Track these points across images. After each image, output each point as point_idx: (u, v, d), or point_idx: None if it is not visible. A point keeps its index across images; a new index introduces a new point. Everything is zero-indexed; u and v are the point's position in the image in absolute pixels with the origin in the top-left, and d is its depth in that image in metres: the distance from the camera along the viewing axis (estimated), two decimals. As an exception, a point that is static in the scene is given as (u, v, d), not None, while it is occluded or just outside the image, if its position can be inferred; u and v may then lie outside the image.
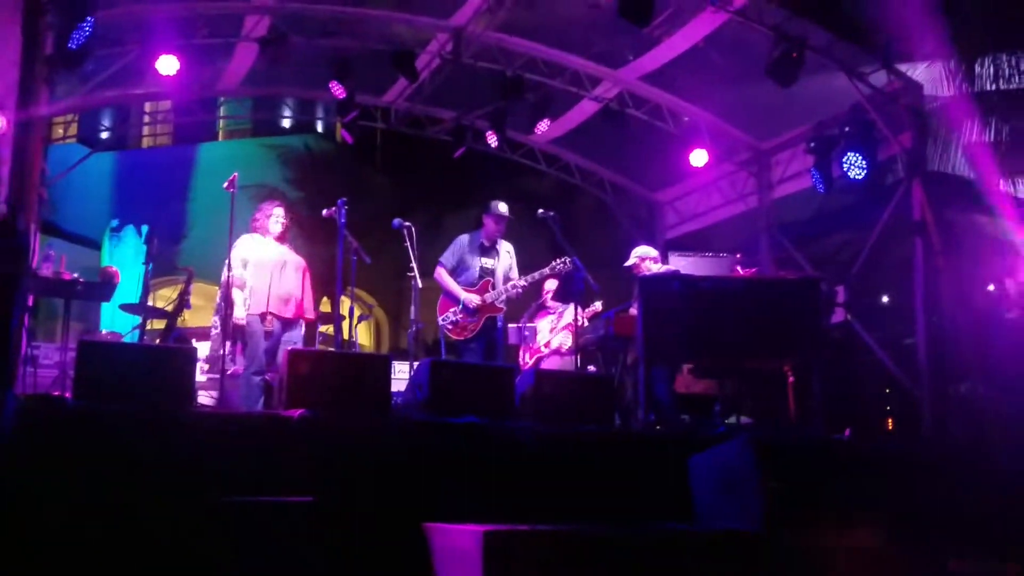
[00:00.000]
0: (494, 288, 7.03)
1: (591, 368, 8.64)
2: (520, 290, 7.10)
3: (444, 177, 15.29)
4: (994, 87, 7.64)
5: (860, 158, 7.70)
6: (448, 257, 7.11)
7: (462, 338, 6.94)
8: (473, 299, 6.92)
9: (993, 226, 7.75)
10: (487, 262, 7.11)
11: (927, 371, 7.44)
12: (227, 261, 6.25)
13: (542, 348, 8.77)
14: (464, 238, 7.19)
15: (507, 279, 7.13)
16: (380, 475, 4.52)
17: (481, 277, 7.04)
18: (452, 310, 6.96)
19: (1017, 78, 7.58)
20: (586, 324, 8.18)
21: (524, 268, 7.26)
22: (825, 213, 10.95)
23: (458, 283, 7.01)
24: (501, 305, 7.04)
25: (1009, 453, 5.59)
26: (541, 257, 7.47)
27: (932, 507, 4.62)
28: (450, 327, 6.96)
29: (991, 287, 8.14)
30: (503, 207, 7.14)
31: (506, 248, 7.23)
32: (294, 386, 4.90)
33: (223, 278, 6.30)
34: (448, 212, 15.33)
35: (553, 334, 8.74)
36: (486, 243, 7.14)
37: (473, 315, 6.92)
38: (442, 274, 7.06)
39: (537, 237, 10.28)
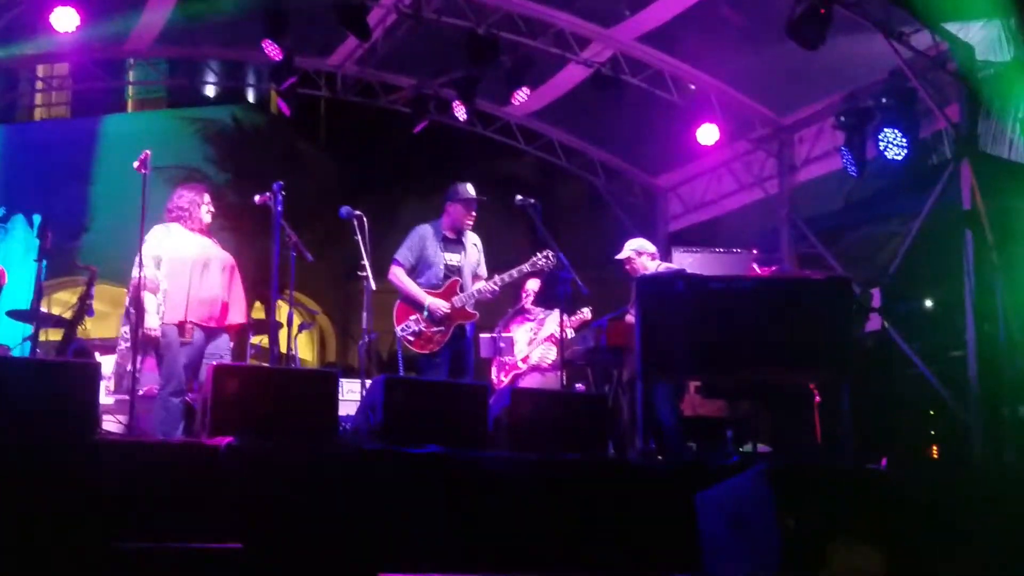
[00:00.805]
0: (463, 289, 6.98)
1: (579, 386, 8.68)
2: (495, 292, 7.05)
3: (402, 157, 15.31)
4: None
5: (899, 135, 7.78)
6: (405, 254, 7.03)
7: (426, 351, 6.88)
8: (441, 305, 6.88)
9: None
10: (452, 258, 7.06)
11: (978, 389, 7.53)
12: (137, 258, 6.20)
13: (519, 363, 8.80)
14: (423, 229, 7.11)
15: (476, 277, 7.11)
16: (324, 516, 4.49)
17: (447, 277, 6.99)
18: (413, 318, 6.89)
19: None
20: (572, 334, 8.21)
21: (499, 266, 7.25)
22: (858, 201, 11.08)
23: (419, 284, 6.97)
24: (472, 310, 7.01)
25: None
26: (519, 254, 7.46)
27: (984, 549, 4.68)
28: (411, 338, 6.89)
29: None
30: (471, 189, 7.08)
31: (472, 241, 7.19)
32: (220, 409, 4.87)
33: (132, 279, 6.26)
34: (407, 199, 15.35)
35: (533, 346, 8.77)
36: (450, 235, 7.09)
37: (440, 323, 6.87)
38: (399, 274, 6.99)
39: (514, 229, 10.33)
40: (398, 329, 6.93)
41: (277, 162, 14.80)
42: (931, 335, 9.18)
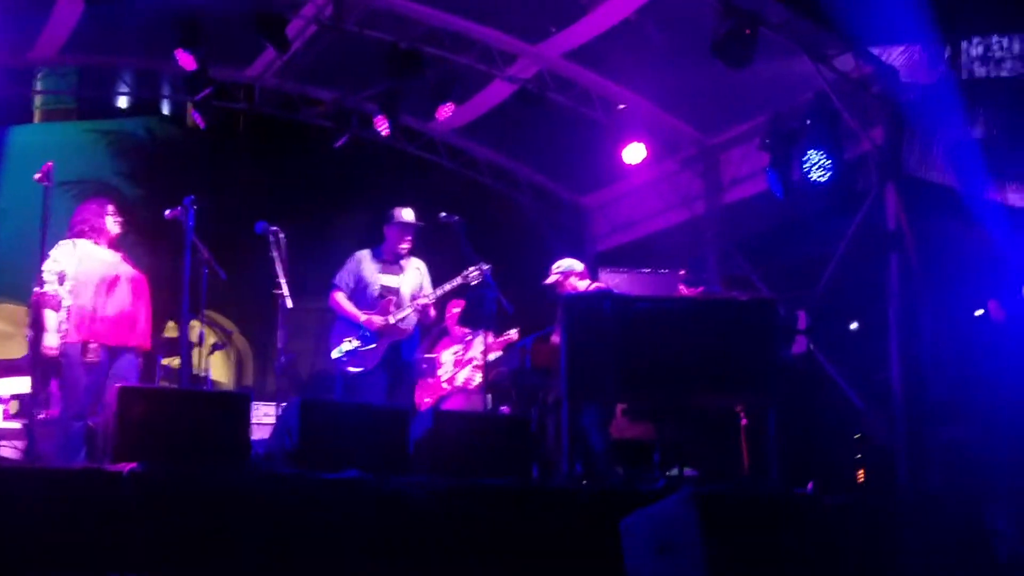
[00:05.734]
0: (398, 307, 7.15)
1: (504, 409, 8.65)
2: (429, 307, 7.24)
3: (322, 172, 15.19)
4: (983, 73, 7.96)
5: (824, 157, 7.92)
6: (344, 277, 7.28)
7: (361, 369, 7.08)
8: (374, 320, 7.07)
9: (980, 239, 8.04)
10: (389, 280, 7.29)
11: (903, 412, 7.67)
12: (39, 275, 6.08)
13: (444, 384, 8.75)
14: (361, 253, 7.37)
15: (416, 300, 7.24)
16: (235, 547, 4.42)
17: (381, 297, 7.21)
18: (348, 338, 7.11)
19: (1009, 63, 7.91)
20: (498, 354, 8.18)
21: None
22: (784, 222, 11.22)
23: (356, 306, 7.17)
24: (407, 327, 7.18)
25: (999, 510, 5.80)
26: (443, 273, 7.49)
27: (910, 573, 4.75)
28: (346, 358, 7.11)
29: (979, 312, 8.43)
30: (407, 214, 7.32)
31: (415, 264, 7.43)
32: (124, 433, 4.79)
33: (33, 295, 6.10)
34: (327, 215, 15.24)
35: (459, 368, 8.73)
36: (388, 258, 7.34)
37: (372, 341, 7.06)
38: (339, 299, 7.22)
39: (438, 248, 10.27)
40: (333, 352, 7.18)
41: (193, 177, 14.49)
42: (857, 357, 9.33)
